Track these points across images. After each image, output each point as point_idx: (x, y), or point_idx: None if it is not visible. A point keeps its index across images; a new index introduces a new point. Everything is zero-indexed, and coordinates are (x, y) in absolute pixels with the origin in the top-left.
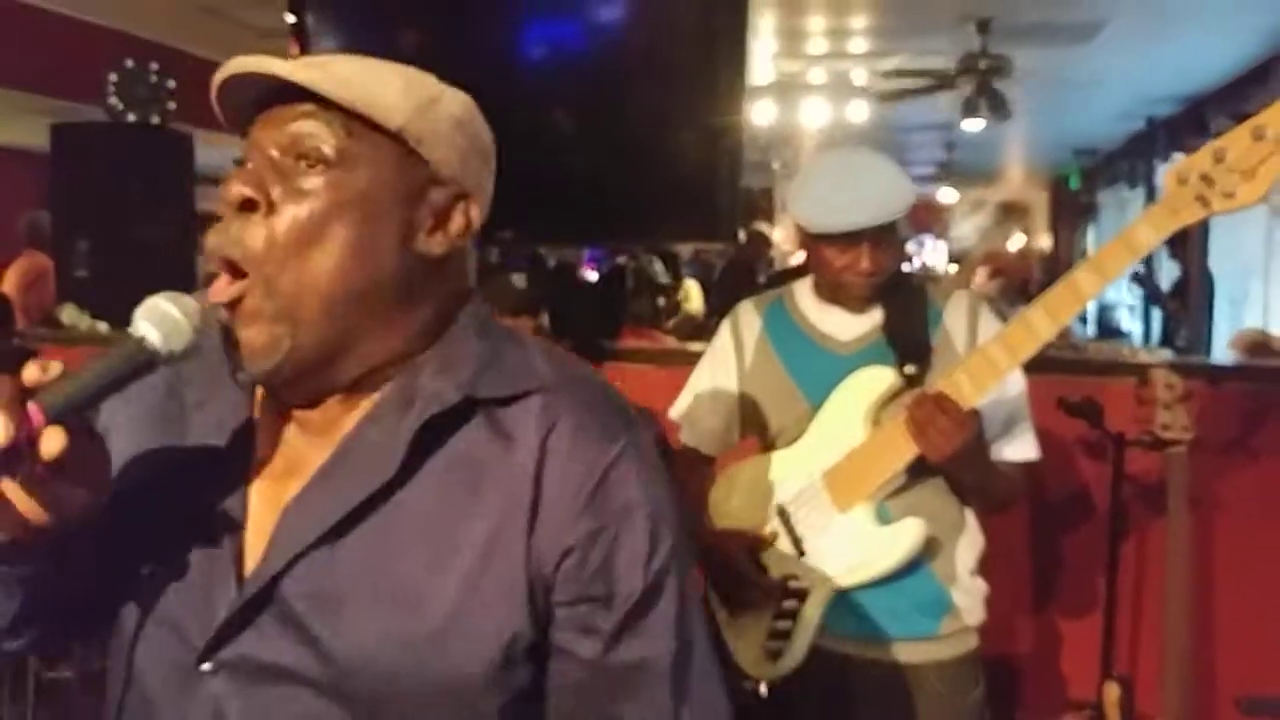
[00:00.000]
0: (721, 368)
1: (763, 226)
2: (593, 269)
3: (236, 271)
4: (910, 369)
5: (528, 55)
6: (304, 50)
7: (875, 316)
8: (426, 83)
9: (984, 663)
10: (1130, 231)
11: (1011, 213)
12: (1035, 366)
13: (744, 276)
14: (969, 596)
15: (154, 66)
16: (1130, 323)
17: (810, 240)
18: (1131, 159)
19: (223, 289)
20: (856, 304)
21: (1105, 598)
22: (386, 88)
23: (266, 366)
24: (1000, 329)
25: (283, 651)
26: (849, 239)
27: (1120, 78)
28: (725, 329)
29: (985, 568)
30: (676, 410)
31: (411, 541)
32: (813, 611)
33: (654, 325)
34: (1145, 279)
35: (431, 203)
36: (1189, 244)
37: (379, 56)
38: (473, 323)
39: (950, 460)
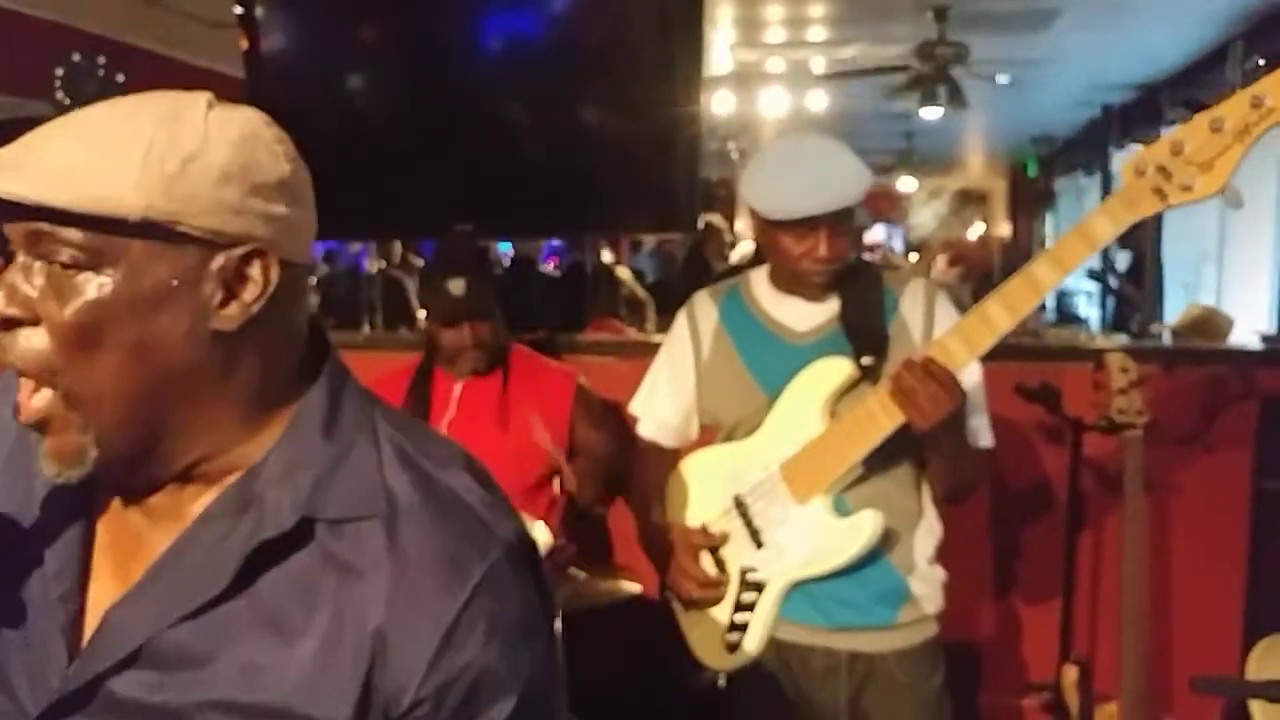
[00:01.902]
0: (678, 360)
1: (714, 219)
2: (553, 263)
3: (36, 381)
4: (867, 360)
5: (485, 47)
6: (253, 46)
7: (831, 306)
8: (181, 135)
9: (944, 648)
10: (1087, 224)
11: (969, 200)
12: (993, 353)
13: (702, 269)
14: (927, 585)
15: (101, 60)
16: (1088, 309)
17: (767, 227)
18: (1088, 146)
19: (28, 410)
20: (813, 292)
21: (1064, 581)
22: (118, 170)
23: (77, 474)
24: (969, 311)
25: None
26: (806, 225)
27: (1076, 65)
28: (682, 320)
29: (943, 555)
30: (636, 403)
31: (240, 662)
32: (770, 603)
33: (614, 315)
34: (1099, 272)
35: (215, 274)
36: (1142, 230)
37: (335, 50)
38: (319, 411)
39: (937, 427)
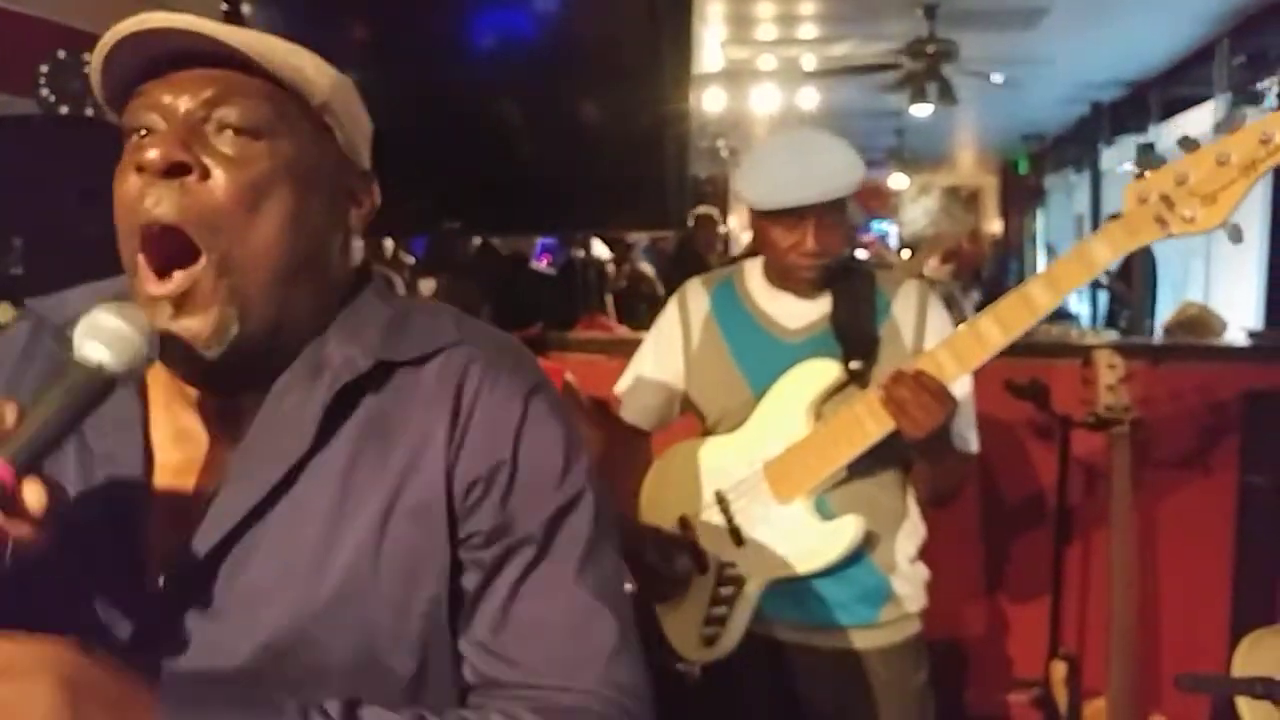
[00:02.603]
0: (666, 346)
1: (710, 210)
2: (546, 259)
3: (170, 250)
4: (855, 364)
5: (476, 44)
6: None
7: (823, 305)
8: (325, 64)
9: (932, 645)
10: (1087, 248)
11: (958, 197)
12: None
13: (693, 262)
14: (909, 584)
15: (87, 57)
16: (1079, 305)
17: (758, 220)
18: (1078, 143)
19: (173, 283)
20: (804, 288)
21: (1052, 577)
22: (304, 59)
23: (219, 350)
24: (961, 326)
25: (201, 648)
26: (795, 217)
27: (1065, 62)
28: (673, 307)
29: (925, 554)
30: (621, 385)
31: (322, 508)
32: (748, 599)
33: (602, 311)
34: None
35: (347, 178)
36: None
37: (327, 46)
38: (374, 292)
39: (928, 437)
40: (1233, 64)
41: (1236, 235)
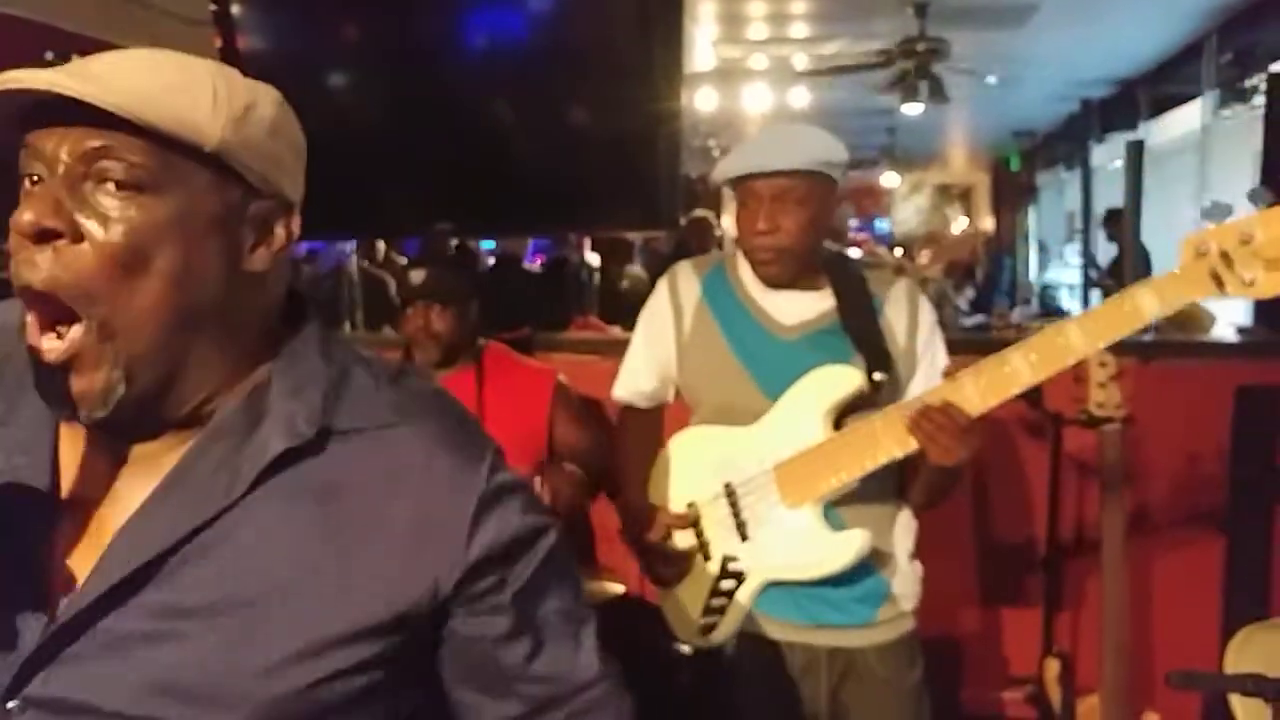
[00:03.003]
0: (657, 330)
1: (705, 213)
2: (540, 260)
3: (54, 311)
4: (880, 376)
5: (468, 45)
6: (229, 44)
7: (818, 303)
8: (236, 86)
9: (926, 642)
10: (1133, 299)
11: (949, 195)
12: (975, 347)
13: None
14: (906, 582)
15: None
16: (1070, 301)
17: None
18: (1068, 140)
19: (58, 348)
20: (764, 274)
21: (1045, 575)
22: (196, 101)
23: (103, 414)
24: (993, 357)
25: (96, 688)
26: (751, 194)
27: (1055, 60)
28: (663, 291)
29: (925, 550)
30: (617, 380)
31: (255, 568)
32: (747, 595)
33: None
34: (1082, 265)
35: (252, 219)
36: (1121, 223)
37: (317, 48)
38: (314, 342)
39: (957, 465)
40: (1220, 61)
41: (1260, 198)
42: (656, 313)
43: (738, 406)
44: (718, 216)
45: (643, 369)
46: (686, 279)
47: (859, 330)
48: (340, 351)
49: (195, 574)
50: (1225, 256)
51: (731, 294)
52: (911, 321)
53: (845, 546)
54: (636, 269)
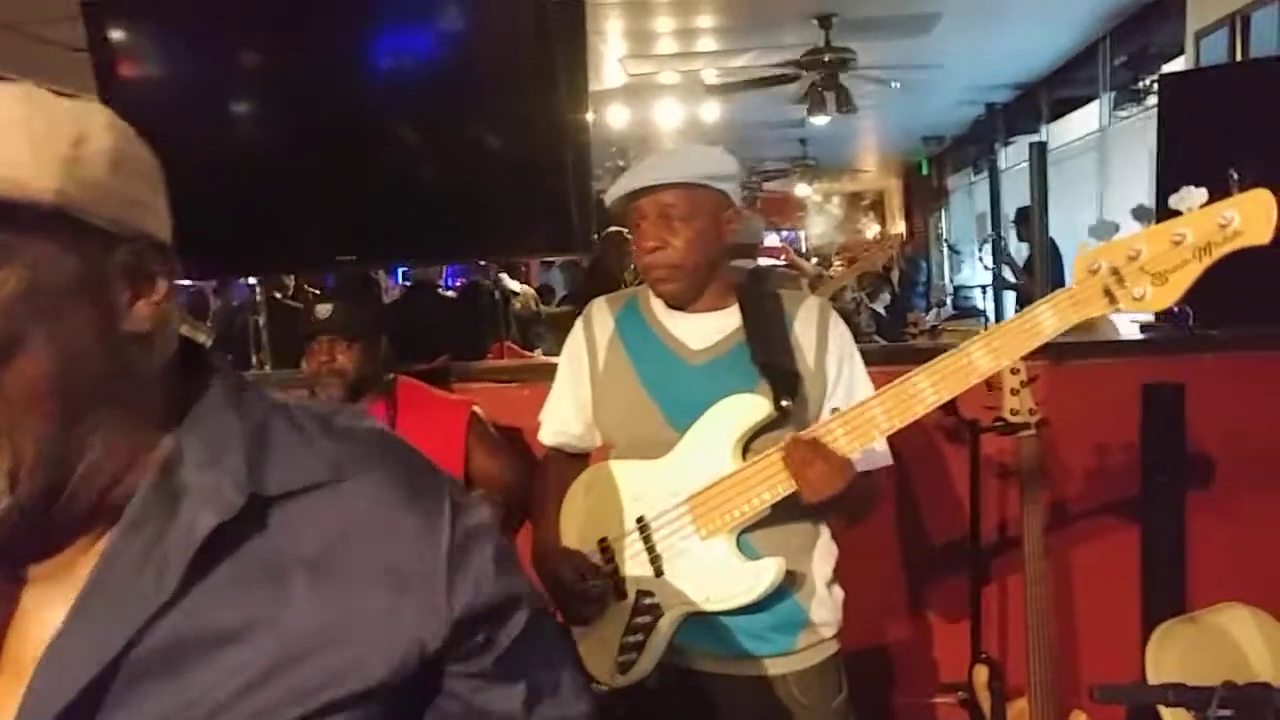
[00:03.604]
0: (575, 369)
1: (619, 229)
2: (461, 285)
3: None
4: (786, 402)
5: (369, 68)
6: (106, 72)
7: (725, 323)
8: (58, 117)
9: (855, 652)
10: (1033, 318)
11: (860, 203)
12: (890, 356)
13: (605, 282)
14: (826, 609)
15: None
16: (985, 302)
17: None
18: (976, 144)
19: None
20: (666, 296)
21: (970, 581)
22: (13, 150)
23: None
24: (885, 388)
25: None
26: (636, 215)
27: (958, 67)
28: (578, 329)
29: (844, 563)
30: (543, 411)
31: (207, 659)
32: (665, 630)
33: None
34: (994, 266)
35: (121, 272)
36: (1030, 223)
37: (209, 75)
38: (222, 397)
39: (828, 502)
40: (1114, 63)
41: (1145, 215)
42: (573, 352)
43: (646, 439)
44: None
45: (568, 411)
46: (600, 315)
47: (765, 353)
48: (255, 402)
49: (147, 694)
50: (1115, 273)
51: (643, 324)
52: (820, 341)
53: (759, 576)
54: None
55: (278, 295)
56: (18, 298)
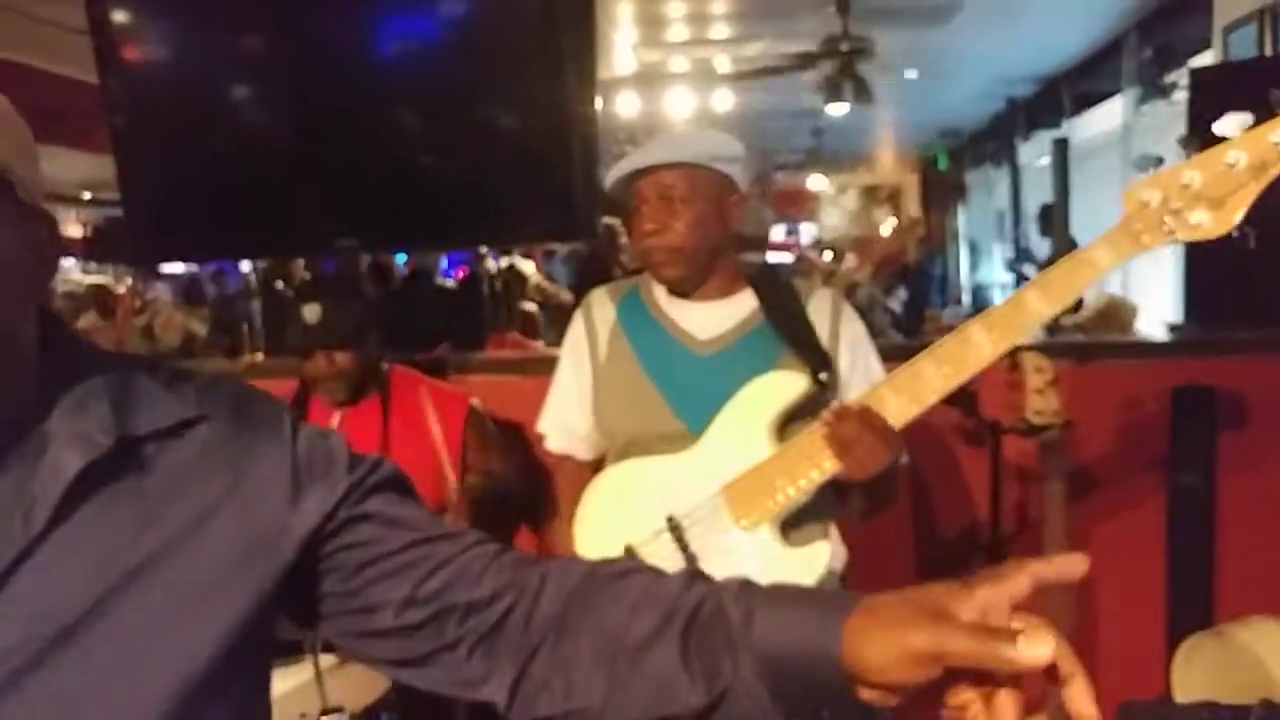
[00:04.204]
0: (577, 362)
1: (611, 221)
2: (461, 274)
3: None
4: (825, 375)
5: (371, 52)
6: (111, 51)
7: (736, 311)
8: None
9: None
10: (1084, 253)
11: (876, 196)
12: (904, 352)
13: (600, 273)
14: None
15: None
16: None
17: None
18: (995, 139)
19: None
20: (668, 281)
21: None
22: None
23: None
24: (936, 344)
25: None
26: (637, 198)
27: (979, 58)
28: (578, 320)
29: (855, 569)
30: (542, 419)
31: (65, 589)
32: None
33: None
34: (1015, 262)
35: (39, 242)
36: (1053, 219)
37: (214, 59)
38: (87, 357)
39: (873, 479)
40: (1141, 58)
41: (1248, 242)
42: (573, 344)
43: (650, 433)
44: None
45: (571, 409)
46: (600, 305)
47: (792, 329)
48: (115, 362)
49: (8, 621)
50: (1169, 202)
51: (646, 314)
52: (833, 329)
53: (811, 562)
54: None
55: (277, 284)
56: None
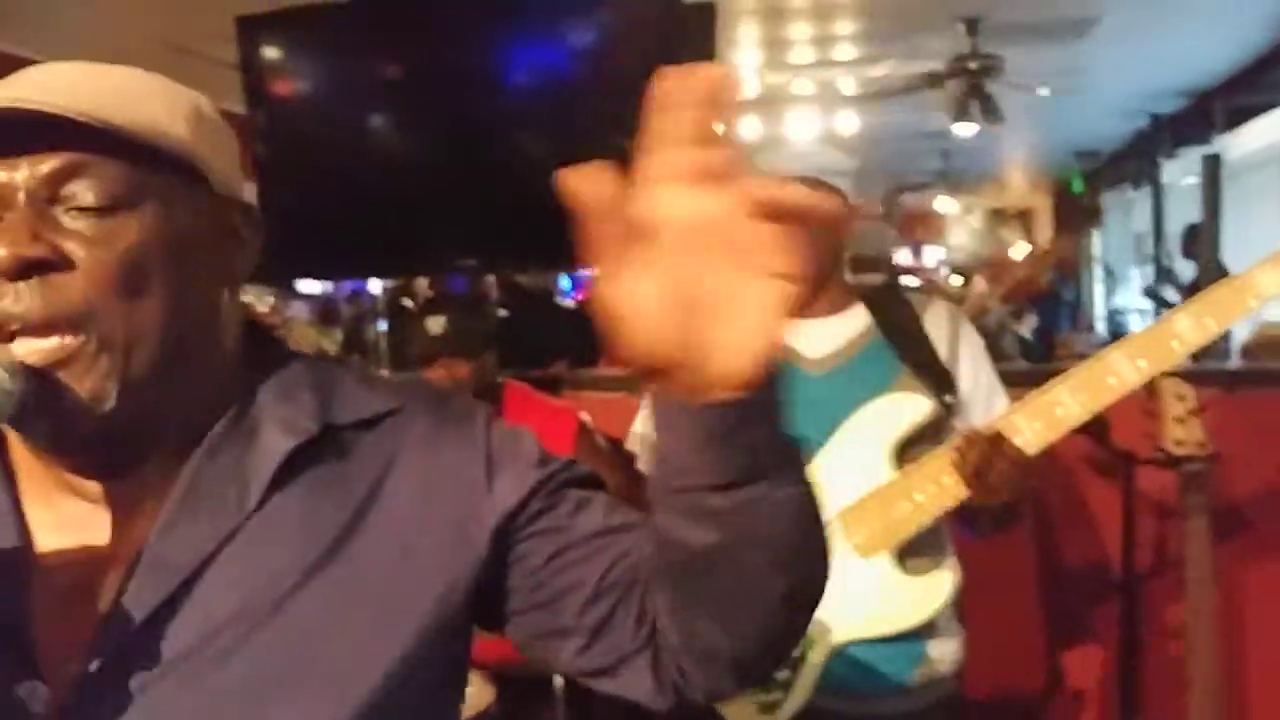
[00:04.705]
0: None
1: None
2: (581, 297)
3: (56, 332)
4: (950, 398)
5: (502, 78)
6: (257, 89)
7: (848, 329)
8: (179, 90)
9: (979, 705)
10: (1246, 276)
11: (1004, 218)
12: (1032, 379)
13: None
14: (945, 644)
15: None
16: (1143, 324)
17: None
18: (1136, 158)
19: (44, 349)
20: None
21: (1121, 634)
22: (154, 105)
23: (106, 407)
24: (1074, 370)
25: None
26: None
27: (1119, 74)
28: None
29: (971, 604)
30: (631, 437)
31: (272, 566)
32: (815, 662)
33: None
34: (1154, 287)
35: (227, 225)
36: (1200, 241)
37: (357, 89)
38: (290, 353)
39: (999, 509)
40: None
41: None
42: None
43: None
44: None
45: None
46: None
47: (909, 346)
48: (309, 358)
49: (228, 594)
50: None
51: None
52: (952, 344)
53: (935, 591)
54: None
55: (405, 303)
56: (153, 233)
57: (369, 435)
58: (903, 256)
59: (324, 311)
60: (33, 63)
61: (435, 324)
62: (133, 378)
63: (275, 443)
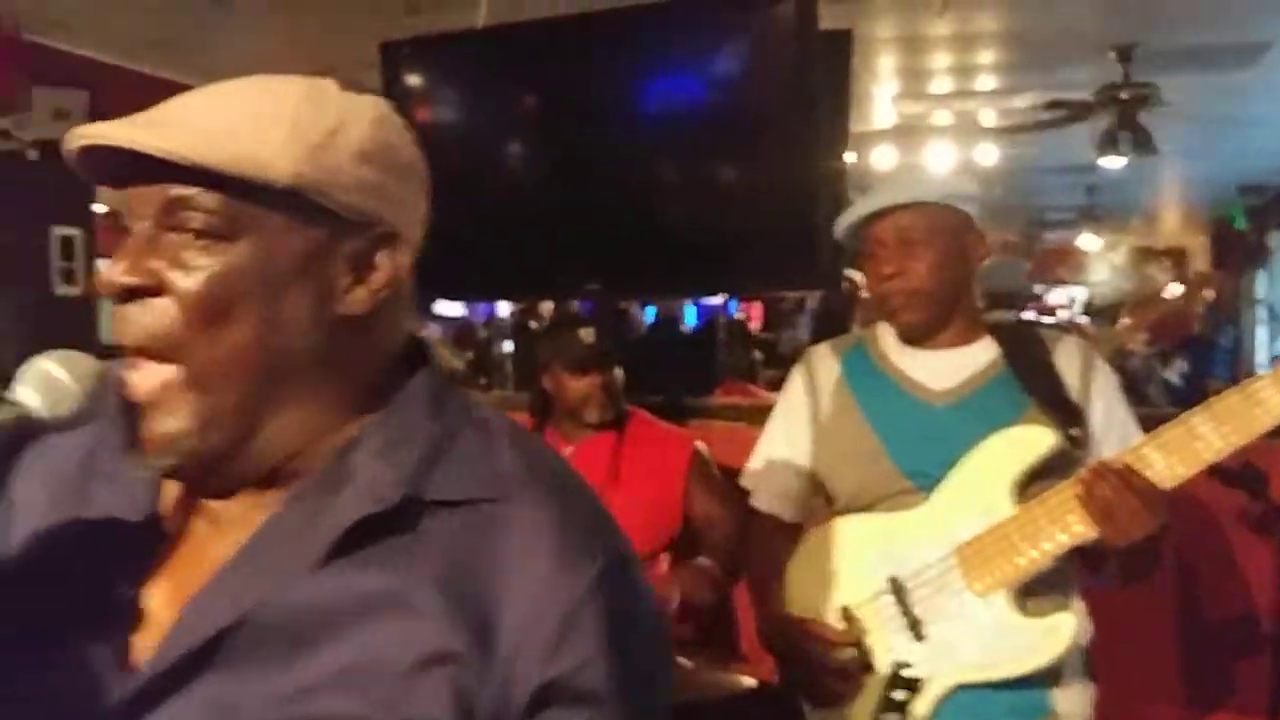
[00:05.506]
0: (795, 418)
1: (855, 274)
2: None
3: (155, 357)
4: (1076, 431)
5: (642, 110)
6: (406, 112)
7: (972, 361)
8: (323, 109)
9: None
10: None
11: (1151, 257)
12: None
13: (834, 330)
14: (1073, 701)
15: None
16: None
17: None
18: None
19: (145, 385)
20: (906, 327)
21: (1270, 695)
22: (268, 135)
23: (168, 462)
24: (1214, 399)
25: None
26: (872, 243)
27: None
28: (798, 375)
29: (1106, 664)
30: (746, 474)
31: (318, 646)
32: (927, 706)
33: (749, 379)
34: None
35: (346, 255)
36: None
37: (493, 116)
38: (423, 394)
39: (1131, 547)
40: None
41: None
42: (792, 402)
43: (874, 491)
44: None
45: (785, 469)
46: (823, 360)
47: (1037, 380)
48: (456, 409)
49: (264, 649)
50: None
51: (874, 368)
52: (1084, 380)
53: (1056, 634)
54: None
55: (531, 324)
56: (244, 270)
57: (451, 517)
58: (1043, 294)
59: (459, 334)
60: (188, 88)
61: (588, 334)
62: (213, 417)
63: (348, 508)
